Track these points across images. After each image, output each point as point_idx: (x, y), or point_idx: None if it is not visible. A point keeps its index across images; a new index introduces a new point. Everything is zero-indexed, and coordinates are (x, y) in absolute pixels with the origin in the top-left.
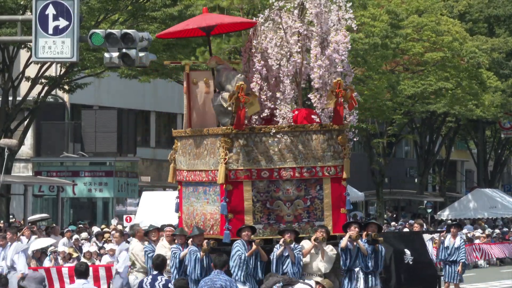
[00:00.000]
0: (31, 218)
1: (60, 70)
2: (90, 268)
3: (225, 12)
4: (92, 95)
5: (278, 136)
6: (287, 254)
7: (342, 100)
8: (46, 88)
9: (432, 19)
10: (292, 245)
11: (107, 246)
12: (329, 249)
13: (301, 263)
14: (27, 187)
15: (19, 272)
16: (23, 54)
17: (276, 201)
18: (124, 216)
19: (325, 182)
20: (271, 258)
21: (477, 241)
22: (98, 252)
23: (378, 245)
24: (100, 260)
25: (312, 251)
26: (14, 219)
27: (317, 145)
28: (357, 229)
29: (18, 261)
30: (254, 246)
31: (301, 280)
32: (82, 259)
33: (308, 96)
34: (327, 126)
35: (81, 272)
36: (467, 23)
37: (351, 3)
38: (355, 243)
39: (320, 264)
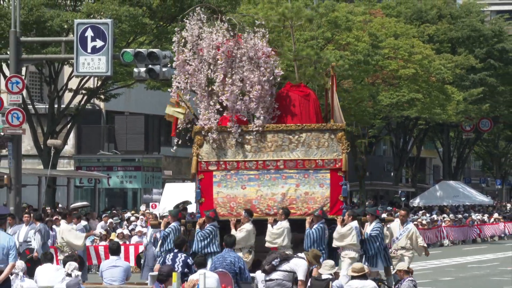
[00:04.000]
0: (73, 205)
1: (97, 83)
2: (122, 247)
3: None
4: (123, 103)
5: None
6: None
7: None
8: (85, 97)
9: (406, 42)
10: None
11: (136, 228)
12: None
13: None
14: (70, 179)
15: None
16: (67, 69)
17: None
18: (150, 204)
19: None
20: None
21: (443, 224)
22: (130, 233)
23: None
24: (130, 240)
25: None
26: (60, 206)
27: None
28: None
29: (33, 239)
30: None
31: (295, 255)
32: (115, 239)
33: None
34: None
35: (113, 250)
36: (435, 44)
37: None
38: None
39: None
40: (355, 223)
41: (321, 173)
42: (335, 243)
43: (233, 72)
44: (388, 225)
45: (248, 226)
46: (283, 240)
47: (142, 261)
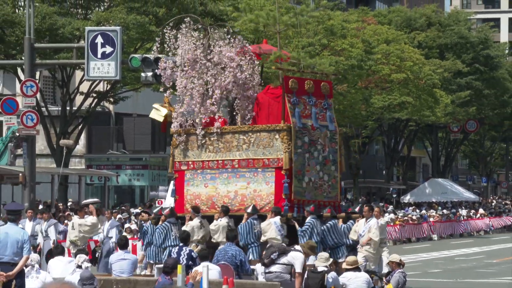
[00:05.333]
0: (84, 202)
1: (107, 86)
2: (130, 241)
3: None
4: (131, 105)
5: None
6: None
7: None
8: (95, 100)
9: (397, 47)
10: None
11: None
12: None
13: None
14: (81, 177)
15: (51, 240)
16: (78, 74)
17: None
18: (157, 200)
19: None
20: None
21: (431, 219)
22: (137, 228)
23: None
24: (138, 234)
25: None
26: (71, 202)
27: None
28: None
29: (50, 232)
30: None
31: (292, 248)
32: (124, 234)
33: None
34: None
35: (121, 244)
36: (424, 50)
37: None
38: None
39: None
40: (275, 219)
41: (268, 172)
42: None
43: (199, 77)
44: (357, 222)
45: (193, 222)
46: (219, 236)
47: (97, 255)
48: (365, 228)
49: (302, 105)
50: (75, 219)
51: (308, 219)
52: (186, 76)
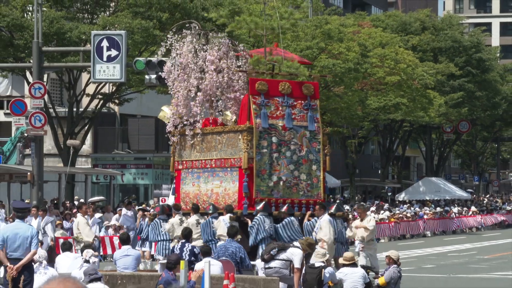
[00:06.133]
0: (90, 199)
1: (112, 88)
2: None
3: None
4: (136, 107)
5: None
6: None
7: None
8: (101, 101)
9: (391, 50)
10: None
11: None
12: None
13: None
14: (87, 176)
15: (49, 237)
16: (84, 76)
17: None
18: (160, 198)
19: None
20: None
21: (425, 217)
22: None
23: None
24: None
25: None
26: (78, 200)
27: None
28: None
29: (47, 229)
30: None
31: (291, 244)
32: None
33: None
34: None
35: (124, 239)
36: (418, 53)
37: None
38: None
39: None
40: (225, 217)
41: (234, 171)
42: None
43: (186, 80)
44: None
45: (173, 220)
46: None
47: None
48: (317, 226)
49: (273, 106)
50: (79, 217)
51: (257, 216)
52: (178, 80)
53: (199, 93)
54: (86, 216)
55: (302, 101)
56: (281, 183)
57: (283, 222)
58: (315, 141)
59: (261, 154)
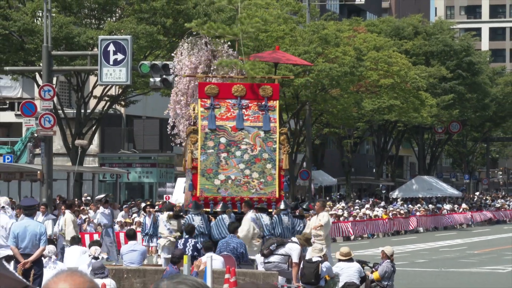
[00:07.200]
0: (97, 197)
1: (118, 90)
2: (138, 233)
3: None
4: (141, 108)
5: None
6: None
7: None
8: (108, 103)
9: (385, 54)
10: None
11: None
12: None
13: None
14: (95, 174)
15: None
16: (92, 79)
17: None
18: (164, 196)
19: None
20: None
21: (418, 213)
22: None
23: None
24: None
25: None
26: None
27: None
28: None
29: (47, 226)
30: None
31: (290, 240)
32: (133, 226)
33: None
34: None
35: (130, 235)
36: (411, 57)
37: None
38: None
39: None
40: (163, 215)
41: (189, 172)
42: None
43: (178, 83)
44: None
45: (164, 216)
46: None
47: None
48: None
49: (223, 108)
50: (67, 214)
51: (188, 215)
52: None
53: (182, 96)
54: (74, 214)
55: (258, 102)
56: (230, 181)
57: (216, 219)
58: (270, 140)
59: (207, 154)
